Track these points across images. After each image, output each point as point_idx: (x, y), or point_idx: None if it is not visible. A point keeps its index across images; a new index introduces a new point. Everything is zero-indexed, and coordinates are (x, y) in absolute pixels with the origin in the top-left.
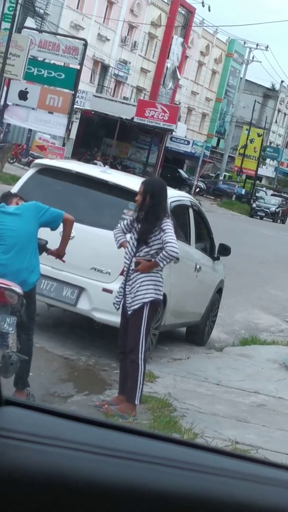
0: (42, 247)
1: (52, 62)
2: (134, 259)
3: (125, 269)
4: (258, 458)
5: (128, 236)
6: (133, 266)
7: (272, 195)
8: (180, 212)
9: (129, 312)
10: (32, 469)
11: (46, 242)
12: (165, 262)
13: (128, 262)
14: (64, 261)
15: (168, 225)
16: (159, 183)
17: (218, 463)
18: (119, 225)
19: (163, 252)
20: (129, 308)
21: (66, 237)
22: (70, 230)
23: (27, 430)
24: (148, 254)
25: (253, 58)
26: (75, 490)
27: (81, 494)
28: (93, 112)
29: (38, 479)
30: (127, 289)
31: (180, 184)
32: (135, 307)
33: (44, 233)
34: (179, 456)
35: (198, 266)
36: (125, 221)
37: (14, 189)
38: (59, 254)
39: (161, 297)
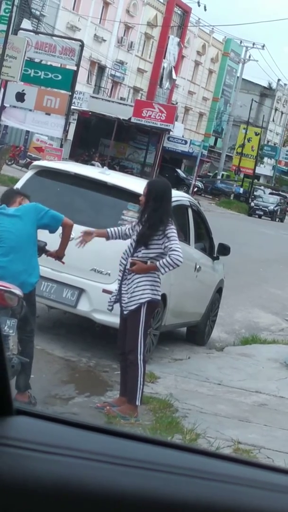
0: (42, 249)
1: (48, 63)
2: (130, 260)
3: (121, 269)
4: (264, 463)
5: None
6: (128, 266)
7: (270, 193)
8: (179, 212)
9: (125, 312)
10: (44, 479)
11: (46, 244)
12: (167, 269)
13: (124, 262)
14: (63, 263)
15: (173, 232)
16: (163, 184)
17: (225, 470)
18: (126, 227)
19: (168, 259)
20: (125, 308)
21: (65, 239)
22: (69, 233)
23: (38, 439)
24: (147, 257)
25: (249, 57)
26: (86, 499)
27: (92, 503)
28: (90, 113)
29: (50, 488)
30: (123, 289)
31: (178, 183)
32: (132, 307)
33: (44, 235)
34: (189, 464)
35: (197, 266)
36: (131, 225)
37: None
38: (58, 255)
39: (159, 297)
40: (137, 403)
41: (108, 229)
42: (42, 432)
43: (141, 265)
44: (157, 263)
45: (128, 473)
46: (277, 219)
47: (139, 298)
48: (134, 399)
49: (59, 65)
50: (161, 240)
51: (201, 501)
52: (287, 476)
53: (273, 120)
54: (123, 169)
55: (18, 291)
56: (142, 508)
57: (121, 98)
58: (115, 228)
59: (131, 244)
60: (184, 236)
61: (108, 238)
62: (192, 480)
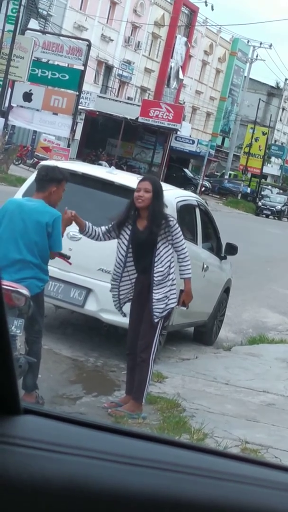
0: None
1: (56, 63)
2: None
3: (116, 278)
4: (272, 462)
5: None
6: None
7: (277, 193)
8: (187, 212)
9: (155, 320)
10: (51, 478)
11: None
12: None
13: (120, 271)
14: (70, 264)
15: (177, 228)
16: (158, 180)
17: (233, 469)
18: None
19: (184, 264)
20: (157, 315)
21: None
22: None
23: (46, 439)
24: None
25: (257, 56)
26: (94, 499)
27: (100, 502)
28: (97, 113)
29: (57, 488)
30: (155, 297)
31: (185, 183)
32: (164, 313)
33: None
34: (197, 463)
35: (205, 266)
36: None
37: (20, 191)
38: (64, 255)
39: None
40: (143, 401)
41: (87, 223)
42: (50, 431)
43: (188, 292)
44: (187, 275)
45: (136, 472)
46: (285, 219)
47: (170, 303)
48: (141, 397)
49: (66, 65)
50: (166, 234)
51: (209, 500)
52: None
53: (281, 120)
54: (131, 169)
55: (25, 291)
56: (150, 507)
57: (129, 98)
58: (93, 227)
59: (127, 247)
60: (191, 236)
61: (83, 230)
62: (200, 479)
